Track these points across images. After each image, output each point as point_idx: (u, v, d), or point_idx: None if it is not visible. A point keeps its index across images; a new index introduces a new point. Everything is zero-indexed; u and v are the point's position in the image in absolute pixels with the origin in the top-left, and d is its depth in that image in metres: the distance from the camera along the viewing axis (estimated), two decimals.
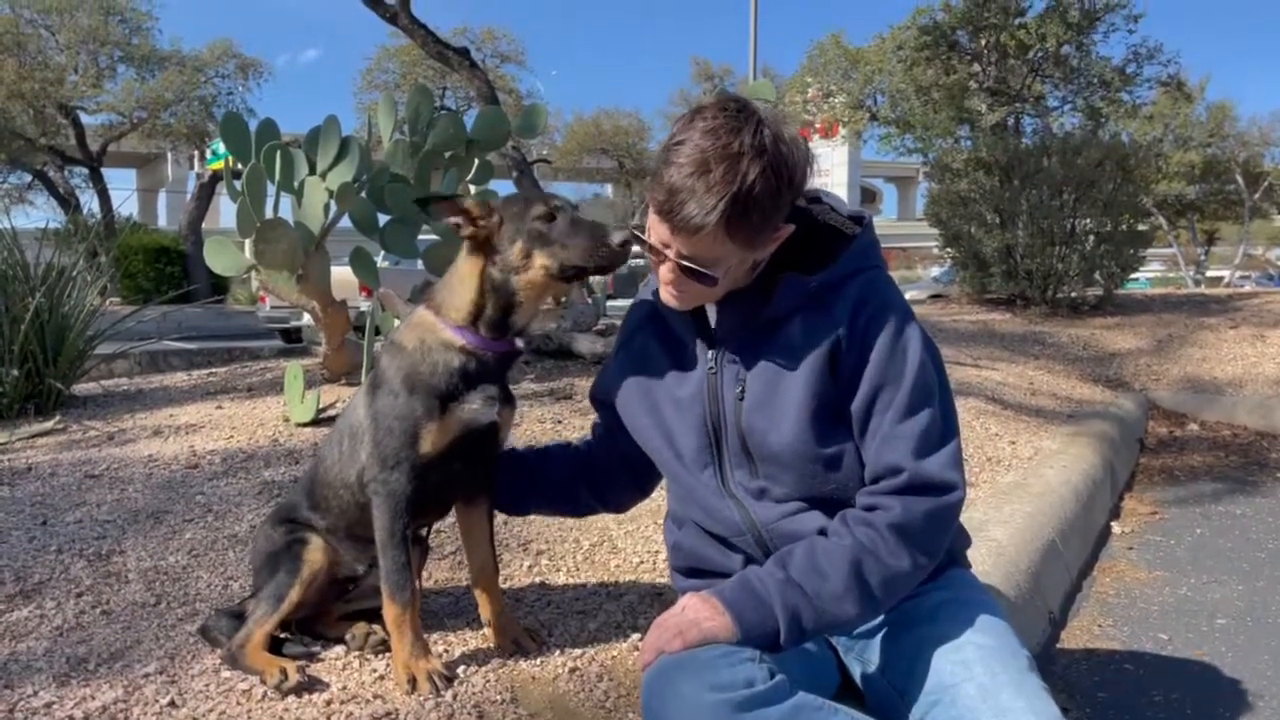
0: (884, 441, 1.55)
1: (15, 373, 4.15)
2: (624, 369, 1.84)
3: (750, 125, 1.46)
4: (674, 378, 1.73)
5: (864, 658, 1.69)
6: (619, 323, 6.40)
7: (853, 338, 1.57)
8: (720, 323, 1.68)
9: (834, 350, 1.57)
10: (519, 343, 1.91)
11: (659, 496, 3.21)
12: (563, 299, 6.46)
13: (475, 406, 1.85)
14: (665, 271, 1.58)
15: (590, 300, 6.78)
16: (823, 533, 1.59)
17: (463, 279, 1.86)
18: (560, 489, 2.05)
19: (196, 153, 27.18)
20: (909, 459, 1.53)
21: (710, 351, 1.67)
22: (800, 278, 1.59)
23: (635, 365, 1.81)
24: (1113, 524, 4.38)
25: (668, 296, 1.63)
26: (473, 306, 1.85)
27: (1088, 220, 10.40)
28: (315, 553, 1.97)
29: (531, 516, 2.96)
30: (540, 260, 1.80)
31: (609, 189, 38.96)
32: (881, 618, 1.67)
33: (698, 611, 1.48)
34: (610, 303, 14.87)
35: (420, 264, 4.31)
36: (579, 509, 2.13)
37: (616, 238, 1.75)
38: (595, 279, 20.45)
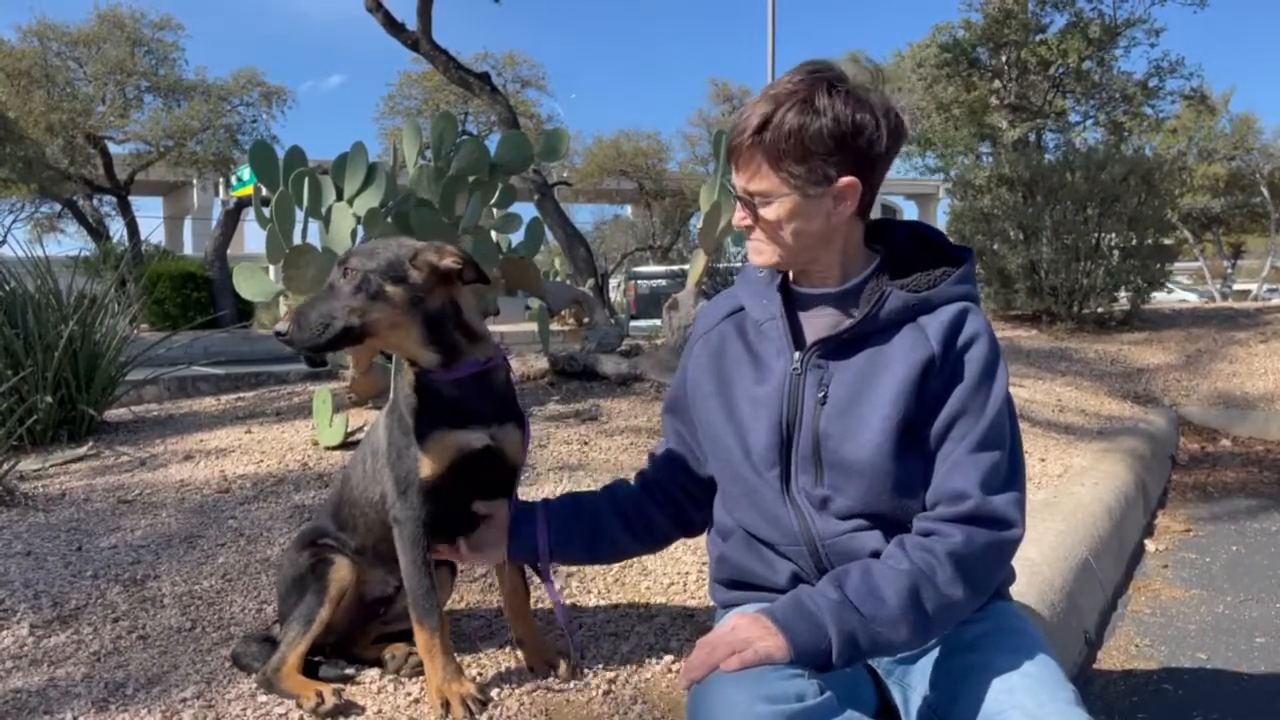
0: (954, 467, 1.55)
1: (49, 399, 4.20)
2: (699, 359, 1.83)
3: (811, 79, 1.56)
4: (753, 374, 1.72)
5: (905, 681, 1.67)
6: (643, 344, 6.32)
7: (945, 361, 1.58)
8: (811, 326, 1.69)
9: (925, 370, 1.57)
10: (471, 362, 1.82)
11: None
12: (584, 320, 6.47)
13: (465, 432, 1.84)
14: (738, 214, 1.66)
15: (614, 321, 6.79)
16: (877, 555, 1.58)
17: None
18: (638, 521, 1.93)
19: (222, 180, 27.55)
20: (976, 489, 1.53)
21: (796, 353, 1.66)
22: (903, 292, 1.61)
23: (712, 356, 1.80)
24: (1146, 541, 4.32)
25: (750, 251, 1.68)
26: None
27: (1112, 235, 10.33)
28: (341, 570, 1.98)
29: None
30: None
31: (629, 210, 39.07)
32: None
33: (749, 631, 1.46)
34: (634, 323, 14.90)
35: None
36: (659, 540, 2.00)
37: (278, 326, 1.71)
38: (616, 298, 20.38)
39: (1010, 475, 1.57)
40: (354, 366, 4.40)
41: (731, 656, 1.43)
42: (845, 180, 1.57)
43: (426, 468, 1.82)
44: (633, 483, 1.99)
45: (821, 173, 1.56)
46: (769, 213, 1.60)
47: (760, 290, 1.76)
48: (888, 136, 1.59)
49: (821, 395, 1.63)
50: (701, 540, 1.94)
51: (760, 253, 1.67)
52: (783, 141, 1.54)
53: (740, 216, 1.66)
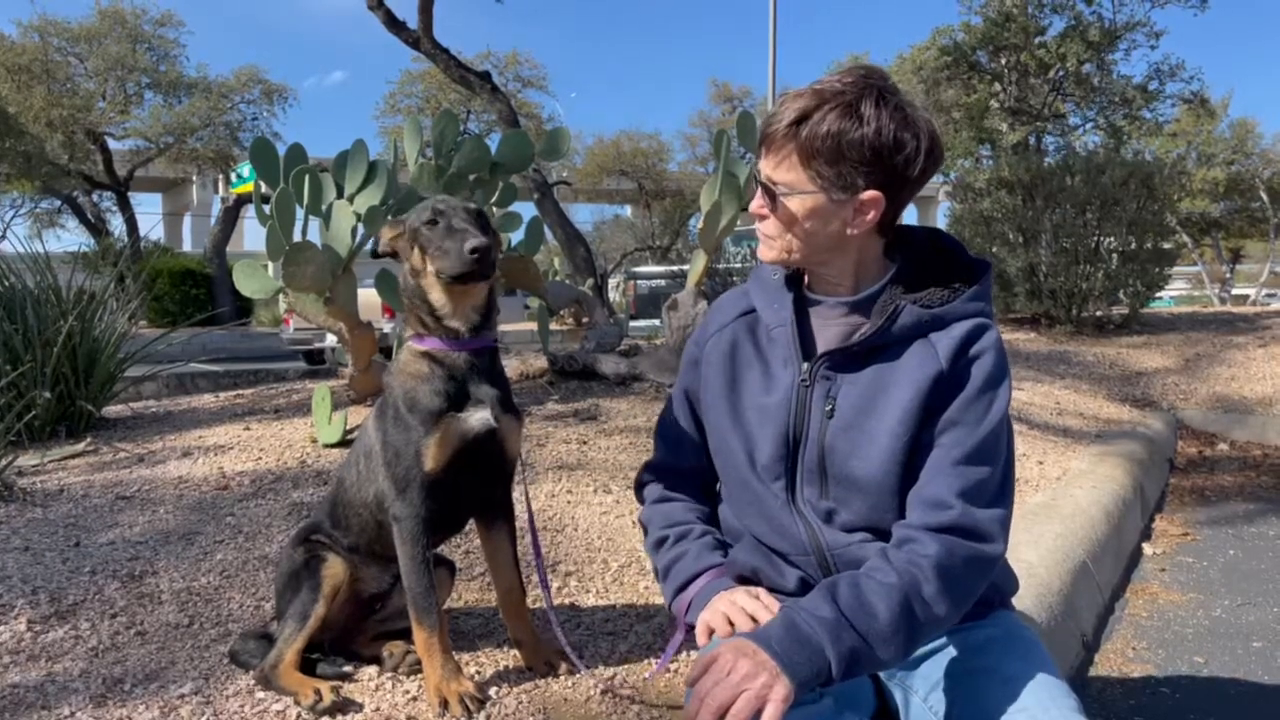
0: (938, 474, 1.51)
1: (48, 395, 4.20)
2: (710, 356, 1.78)
3: (862, 83, 1.52)
4: (761, 381, 1.68)
5: (906, 684, 1.66)
6: (642, 344, 6.28)
7: (952, 378, 1.54)
8: (822, 336, 1.65)
9: (933, 387, 1.54)
10: (488, 337, 1.92)
11: None
12: (584, 320, 6.46)
13: (468, 414, 1.86)
14: (755, 202, 1.63)
15: (613, 321, 6.78)
16: None
17: (400, 292, 1.96)
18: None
19: (221, 177, 27.54)
20: (958, 499, 1.49)
21: (805, 364, 1.63)
22: (915, 308, 1.57)
23: (724, 356, 1.75)
24: (1144, 545, 4.33)
25: (761, 244, 1.65)
26: (412, 314, 1.91)
27: (1112, 239, 10.34)
28: (335, 567, 1.99)
29: (563, 537, 2.96)
30: (429, 265, 1.86)
31: (629, 210, 39.07)
32: (927, 647, 1.64)
33: (744, 672, 1.34)
34: (633, 323, 14.89)
35: None
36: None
37: (468, 244, 1.77)
38: (615, 298, 20.37)
39: (999, 493, 1.54)
40: (353, 364, 4.40)
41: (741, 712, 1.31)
42: (871, 193, 1.53)
43: (432, 456, 1.83)
44: (707, 528, 1.83)
45: (850, 180, 1.52)
46: (788, 205, 1.56)
47: (772, 295, 1.71)
48: (925, 160, 1.54)
49: (829, 408, 1.59)
50: None
51: (770, 247, 1.62)
52: (818, 140, 1.50)
53: (758, 204, 1.62)
